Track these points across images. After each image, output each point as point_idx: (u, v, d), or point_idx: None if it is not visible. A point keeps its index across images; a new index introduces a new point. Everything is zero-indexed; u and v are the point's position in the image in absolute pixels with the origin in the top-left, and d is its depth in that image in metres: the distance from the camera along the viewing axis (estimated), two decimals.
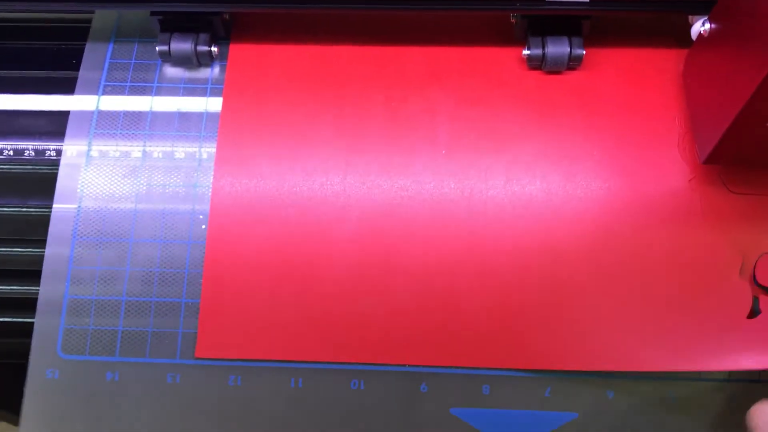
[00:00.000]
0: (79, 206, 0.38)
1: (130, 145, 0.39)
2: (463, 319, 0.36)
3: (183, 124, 0.40)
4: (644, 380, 0.36)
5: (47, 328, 0.37)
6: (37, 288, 0.37)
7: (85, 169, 0.39)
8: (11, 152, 0.39)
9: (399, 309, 0.36)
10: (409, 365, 0.36)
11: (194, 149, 0.39)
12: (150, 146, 0.39)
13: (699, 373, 0.37)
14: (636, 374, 0.36)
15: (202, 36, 0.40)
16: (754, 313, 0.36)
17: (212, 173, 0.38)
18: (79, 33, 0.42)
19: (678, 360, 0.36)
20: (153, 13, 0.39)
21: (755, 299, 0.36)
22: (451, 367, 0.36)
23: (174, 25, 0.40)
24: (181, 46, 0.39)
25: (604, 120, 0.40)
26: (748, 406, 0.33)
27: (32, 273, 0.38)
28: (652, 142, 0.40)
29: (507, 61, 0.41)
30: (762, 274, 0.36)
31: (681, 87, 0.40)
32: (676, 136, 0.39)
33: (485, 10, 0.39)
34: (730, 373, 0.37)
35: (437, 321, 0.36)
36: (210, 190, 0.38)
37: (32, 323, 0.37)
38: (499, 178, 0.39)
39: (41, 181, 0.39)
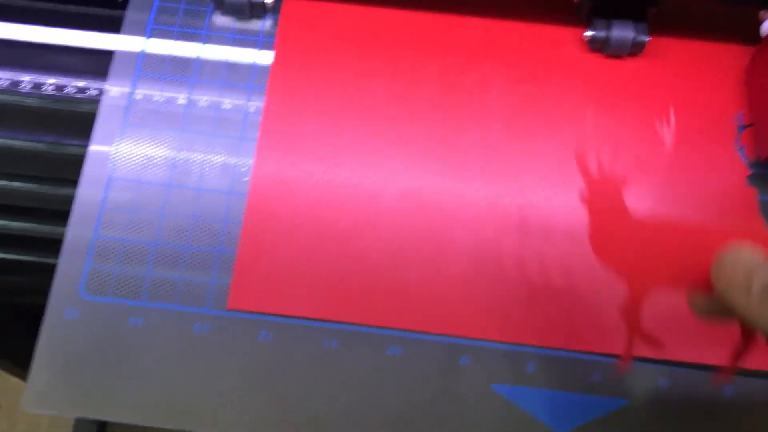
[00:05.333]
0: (119, 148, 0.36)
1: (176, 92, 0.38)
2: (511, 294, 0.34)
3: (232, 75, 0.38)
4: (699, 371, 0.34)
5: (71, 268, 0.35)
6: (65, 228, 0.35)
7: (127, 111, 0.37)
8: (52, 88, 0.38)
9: (445, 277, 0.35)
10: (450, 335, 0.34)
11: (241, 101, 0.38)
12: (196, 95, 0.38)
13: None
14: (691, 364, 0.34)
15: None
16: None
17: (258, 127, 0.37)
18: None
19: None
20: None
21: None
22: (494, 341, 0.34)
23: None
24: None
25: (662, 110, 0.39)
26: None
27: (62, 213, 0.36)
28: (710, 137, 0.39)
29: (565, 40, 0.40)
30: None
31: (742, 84, 0.39)
32: (734, 131, 0.38)
33: None
34: None
35: (484, 293, 0.35)
36: (255, 143, 0.37)
37: (56, 264, 0.35)
38: (552, 158, 0.37)
39: (80, 121, 0.37)
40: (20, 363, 0.61)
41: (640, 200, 0.37)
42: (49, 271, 0.35)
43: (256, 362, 0.34)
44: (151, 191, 0.36)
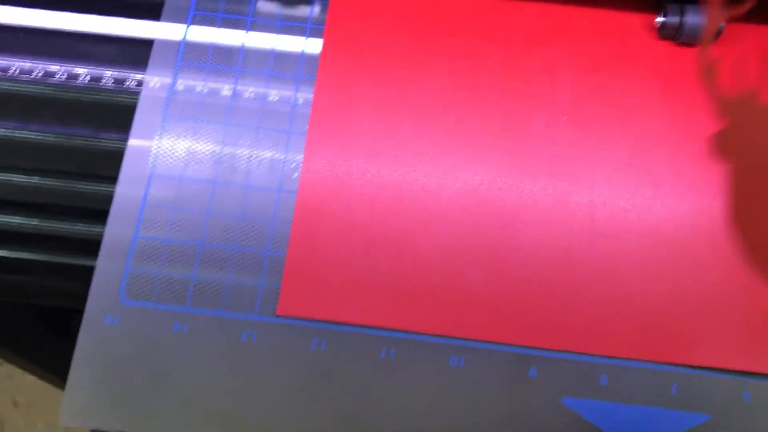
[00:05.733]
0: (159, 142, 0.34)
1: (220, 83, 0.35)
2: (582, 301, 0.32)
3: (278, 65, 0.36)
4: None
5: (111, 271, 0.32)
6: (103, 228, 0.33)
7: (169, 103, 0.35)
8: (87, 78, 0.35)
9: (510, 284, 0.32)
10: (518, 346, 0.32)
11: (289, 93, 0.35)
12: (241, 85, 0.35)
13: None
14: None
15: None
16: None
17: (308, 120, 0.34)
18: None
19: None
20: None
21: None
22: (565, 351, 0.32)
23: None
24: None
25: (737, 101, 0.36)
26: None
27: (99, 212, 0.33)
28: None
29: (633, 26, 0.38)
30: None
31: None
32: None
33: None
34: None
35: (552, 301, 0.32)
36: (305, 137, 0.34)
37: (90, 266, 0.32)
38: (624, 152, 0.35)
39: (118, 113, 0.35)
40: (38, 360, 0.59)
41: (716, 198, 0.34)
42: (82, 273, 0.33)
43: (308, 372, 0.31)
44: (194, 188, 0.33)
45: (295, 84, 0.35)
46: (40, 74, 0.35)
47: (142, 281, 0.32)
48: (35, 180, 0.35)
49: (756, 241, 0.33)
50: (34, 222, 0.35)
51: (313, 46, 0.36)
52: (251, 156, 0.34)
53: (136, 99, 0.35)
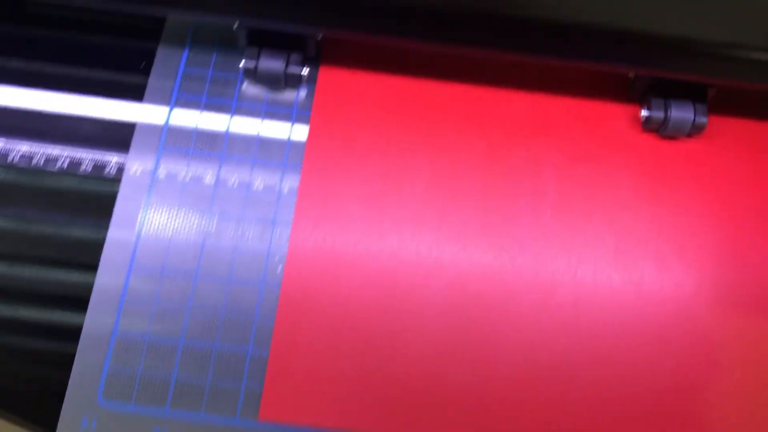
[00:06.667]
0: (140, 232, 0.33)
1: (203, 168, 0.35)
2: (573, 405, 0.32)
3: (263, 152, 0.35)
4: None
5: (89, 368, 0.32)
6: (81, 320, 0.32)
7: (150, 191, 0.34)
8: (66, 163, 0.34)
9: (495, 383, 0.32)
10: None
11: (274, 181, 0.35)
12: (225, 172, 0.34)
13: None
14: None
15: (295, 56, 0.35)
16: None
17: (293, 210, 0.34)
18: (150, 33, 0.37)
19: None
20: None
21: None
22: None
23: (263, 39, 0.35)
24: (271, 65, 0.35)
25: (721, 196, 0.36)
26: None
27: (77, 302, 0.32)
28: None
29: (617, 118, 0.38)
30: None
31: None
32: None
33: (608, 68, 0.35)
34: None
35: (540, 402, 0.32)
36: (289, 228, 0.34)
37: (70, 361, 0.32)
38: (609, 249, 0.35)
39: (98, 200, 0.34)
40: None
41: (700, 296, 0.34)
42: (59, 363, 0.32)
43: None
44: (176, 281, 0.33)
45: (281, 172, 0.35)
46: (17, 158, 0.34)
47: (121, 380, 0.31)
48: (7, 268, 0.34)
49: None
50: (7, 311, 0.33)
51: (299, 132, 0.36)
52: (235, 247, 0.33)
53: (117, 186, 0.34)
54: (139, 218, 0.33)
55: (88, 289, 0.33)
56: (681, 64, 0.34)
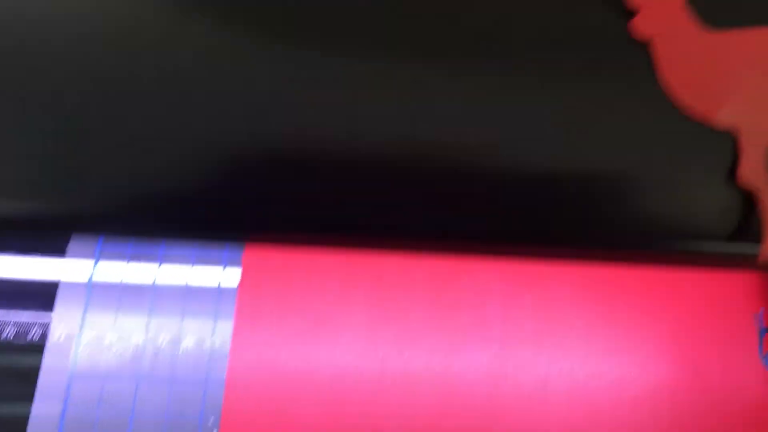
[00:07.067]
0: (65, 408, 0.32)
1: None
2: None
3: (192, 302, 0.34)
4: None
5: None
6: None
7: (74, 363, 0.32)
8: None
9: None
10: None
11: (206, 335, 0.33)
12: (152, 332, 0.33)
13: None
14: None
15: None
16: None
17: (226, 367, 0.33)
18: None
19: None
20: None
21: None
22: None
23: None
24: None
25: (673, 316, 0.35)
26: None
27: None
28: (729, 344, 0.35)
29: None
30: None
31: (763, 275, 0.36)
32: (755, 336, 0.35)
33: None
34: None
35: None
36: (222, 390, 0.32)
37: None
38: (560, 386, 0.33)
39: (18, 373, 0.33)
40: None
41: (661, 417, 0.33)
42: None
43: None
44: None
45: (212, 324, 0.33)
46: None
47: None
48: None
49: None
50: None
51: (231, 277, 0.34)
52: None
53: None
54: (62, 392, 0.32)
55: None
56: None
